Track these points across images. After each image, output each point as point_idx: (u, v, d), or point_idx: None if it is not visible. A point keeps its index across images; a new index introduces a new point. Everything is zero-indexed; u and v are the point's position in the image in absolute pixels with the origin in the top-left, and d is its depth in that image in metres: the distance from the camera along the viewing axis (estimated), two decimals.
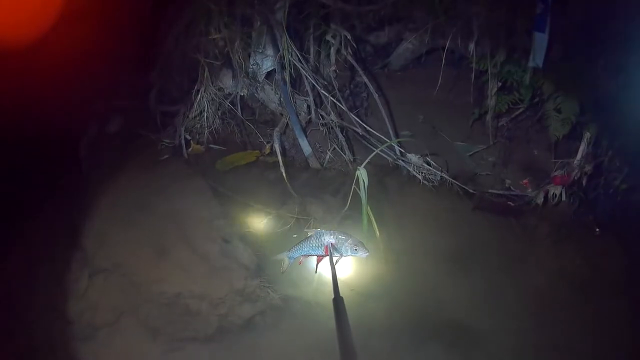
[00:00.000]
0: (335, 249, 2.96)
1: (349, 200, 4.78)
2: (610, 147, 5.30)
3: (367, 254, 2.98)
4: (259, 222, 4.96)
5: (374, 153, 4.91)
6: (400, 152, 5.44)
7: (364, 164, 4.71)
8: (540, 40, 5.26)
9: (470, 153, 5.69)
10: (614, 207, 5.33)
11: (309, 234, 3.06)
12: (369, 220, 4.61)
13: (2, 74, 4.22)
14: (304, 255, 3.11)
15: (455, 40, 5.60)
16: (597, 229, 5.23)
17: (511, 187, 5.44)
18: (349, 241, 2.98)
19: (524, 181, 5.48)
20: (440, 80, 5.64)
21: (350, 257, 2.97)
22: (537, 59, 5.27)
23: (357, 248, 2.96)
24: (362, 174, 4.56)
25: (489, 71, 5.54)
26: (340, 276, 2.88)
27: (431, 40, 5.83)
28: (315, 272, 3.18)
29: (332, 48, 5.48)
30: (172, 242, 4.74)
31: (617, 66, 4.90)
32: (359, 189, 4.59)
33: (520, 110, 5.79)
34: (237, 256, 4.67)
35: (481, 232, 5.08)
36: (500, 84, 5.63)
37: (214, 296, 4.42)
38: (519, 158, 5.72)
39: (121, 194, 5.25)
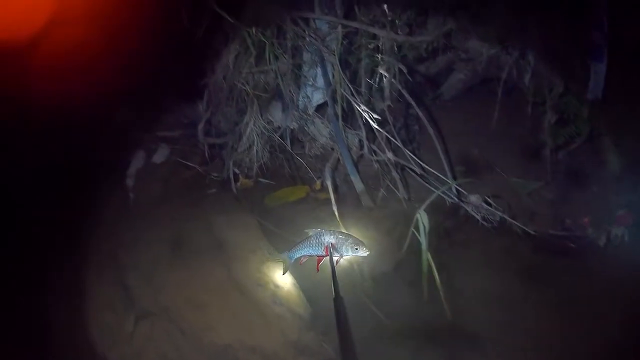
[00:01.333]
0: (336, 249, 2.87)
1: (406, 244, 4.42)
2: None
3: (368, 253, 2.87)
4: (311, 265, 4.60)
5: (434, 195, 4.51)
6: (457, 190, 5.00)
7: (424, 205, 4.33)
8: (598, 70, 5.01)
9: (529, 190, 5.28)
10: None
11: (309, 234, 2.95)
12: (429, 267, 4.24)
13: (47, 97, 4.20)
14: (304, 255, 3.00)
15: (510, 70, 5.25)
16: None
17: (571, 227, 5.02)
18: (349, 241, 2.89)
19: (584, 220, 5.05)
20: (495, 113, 5.29)
21: (351, 256, 2.90)
22: (595, 90, 4.97)
23: (357, 247, 2.87)
24: (422, 217, 4.19)
25: (546, 103, 5.17)
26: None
27: (484, 71, 5.48)
28: (317, 271, 3.01)
29: (386, 81, 5.14)
30: (221, 285, 4.36)
31: None
32: (418, 233, 4.21)
33: (577, 144, 5.39)
34: (290, 303, 4.24)
35: (543, 276, 4.59)
36: (557, 116, 5.24)
37: (266, 349, 3.99)
38: (577, 195, 5.26)
39: (168, 229, 4.90)
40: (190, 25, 4.80)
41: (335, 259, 2.80)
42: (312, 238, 2.95)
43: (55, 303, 4.29)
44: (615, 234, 4.81)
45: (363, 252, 2.88)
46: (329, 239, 2.91)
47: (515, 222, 4.81)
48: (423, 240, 4.17)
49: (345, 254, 2.89)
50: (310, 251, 2.97)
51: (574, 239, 4.93)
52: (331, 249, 2.86)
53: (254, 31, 4.97)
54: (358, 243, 2.89)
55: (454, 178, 5.05)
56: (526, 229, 4.80)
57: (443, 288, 4.16)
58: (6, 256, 4.23)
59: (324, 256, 2.93)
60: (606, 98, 5.05)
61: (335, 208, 4.90)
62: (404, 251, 4.45)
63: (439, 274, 4.20)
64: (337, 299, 2.29)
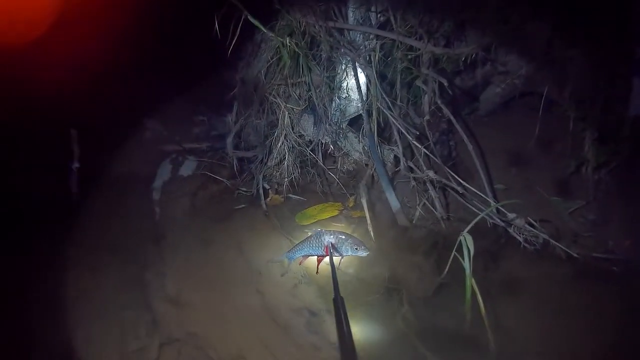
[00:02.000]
0: (336, 249, 2.95)
1: (447, 267, 4.17)
2: None
3: (367, 253, 3.00)
4: (345, 290, 4.33)
5: (479, 217, 4.25)
6: (498, 210, 4.69)
7: (468, 227, 4.06)
8: None
9: (570, 210, 5.01)
10: None
11: (309, 234, 3.05)
12: (473, 294, 3.98)
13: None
14: (304, 255, 3.09)
15: (549, 85, 5.00)
16: None
17: (614, 250, 4.76)
18: (349, 241, 2.99)
19: (627, 242, 4.79)
20: (534, 128, 5.03)
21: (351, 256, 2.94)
22: (638, 106, 4.67)
23: (357, 247, 2.98)
24: (467, 240, 3.94)
25: (586, 119, 4.91)
26: None
27: (523, 85, 5.22)
28: (317, 272, 3.10)
29: (427, 95, 4.89)
30: (251, 310, 4.09)
31: None
32: (462, 257, 3.92)
33: (619, 162, 5.09)
34: (325, 332, 3.94)
35: (587, 303, 4.34)
36: (597, 133, 4.97)
37: None
38: (618, 216, 4.97)
39: (195, 248, 4.67)
40: (220, 35, 4.53)
41: (335, 259, 2.84)
42: (312, 238, 3.05)
43: (74, 325, 4.05)
44: None
45: (363, 252, 3.00)
46: (329, 239, 3.00)
47: (559, 245, 4.51)
48: (467, 266, 3.88)
49: (345, 253, 2.99)
50: (310, 251, 3.08)
51: (617, 263, 4.64)
52: (331, 249, 2.93)
53: (287, 42, 4.70)
54: (358, 243, 3.00)
55: (494, 197, 4.76)
56: (569, 252, 4.51)
57: (488, 316, 3.88)
58: (20, 276, 4.03)
59: (324, 256, 3.01)
60: None
61: (370, 228, 4.66)
62: (444, 275, 4.13)
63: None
64: (337, 299, 2.29)
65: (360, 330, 3.92)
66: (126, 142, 5.57)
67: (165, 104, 5.79)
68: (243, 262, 4.50)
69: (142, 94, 5.32)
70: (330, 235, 3.06)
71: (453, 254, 4.00)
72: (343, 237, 3.06)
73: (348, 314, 3.76)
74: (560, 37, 4.79)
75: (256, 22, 4.58)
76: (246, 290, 4.24)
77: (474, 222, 4.09)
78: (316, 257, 3.24)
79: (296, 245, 3.23)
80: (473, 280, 3.89)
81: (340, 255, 3.04)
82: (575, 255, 4.51)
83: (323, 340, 3.90)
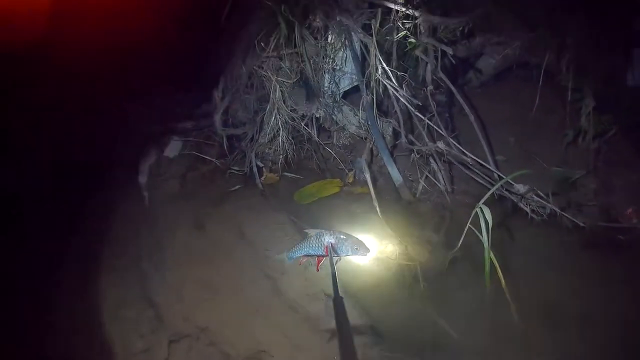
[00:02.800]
0: (335, 249, 2.87)
1: (460, 241, 3.97)
2: None
3: (368, 253, 2.89)
4: (358, 270, 4.11)
5: (493, 189, 4.04)
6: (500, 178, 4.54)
7: (483, 200, 3.86)
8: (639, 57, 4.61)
9: (572, 180, 4.90)
10: None
11: (309, 234, 2.93)
12: (493, 267, 3.80)
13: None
14: (304, 255, 2.99)
15: (545, 55, 4.88)
16: None
17: (619, 219, 4.67)
18: (349, 241, 2.89)
19: (628, 211, 4.72)
20: (528, 99, 5.01)
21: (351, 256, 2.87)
22: (636, 77, 4.64)
23: (357, 247, 2.88)
24: (485, 212, 3.76)
25: (584, 90, 4.80)
26: None
27: (518, 55, 5.09)
28: (317, 270, 2.99)
29: (428, 65, 4.68)
30: (264, 298, 3.77)
31: None
32: (477, 230, 3.73)
33: (614, 131, 5.03)
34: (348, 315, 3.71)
35: (599, 271, 4.21)
36: (595, 103, 4.87)
37: None
38: (619, 184, 4.89)
39: (192, 233, 4.35)
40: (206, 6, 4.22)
41: (335, 259, 2.76)
42: (312, 238, 2.93)
43: (73, 326, 3.72)
44: None
45: (363, 252, 2.87)
46: (329, 239, 2.89)
47: (566, 215, 4.37)
48: (485, 239, 3.68)
49: (345, 253, 2.87)
50: (310, 251, 2.95)
51: (622, 231, 4.53)
52: (331, 249, 2.83)
53: (283, 9, 4.41)
54: (358, 243, 2.88)
55: (497, 168, 4.60)
56: (576, 221, 4.37)
57: (508, 290, 3.70)
58: (11, 271, 3.64)
59: (324, 256, 2.89)
60: None
61: (376, 203, 4.42)
62: (456, 249, 3.94)
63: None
64: (337, 300, 2.26)
65: (379, 309, 3.68)
66: (105, 124, 5.19)
67: (143, 82, 5.41)
68: (246, 246, 4.19)
69: (117, 72, 4.97)
70: (330, 235, 2.92)
71: (467, 226, 3.78)
72: (343, 237, 2.93)
73: (366, 298, 3.60)
74: (560, 7, 4.62)
75: None
76: (255, 277, 3.91)
77: (488, 194, 3.87)
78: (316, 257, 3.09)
79: (296, 245, 3.04)
80: (493, 253, 3.66)
81: (340, 255, 2.90)
82: (581, 224, 4.36)
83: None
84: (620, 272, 4.11)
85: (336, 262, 2.70)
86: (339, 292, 2.35)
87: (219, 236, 4.26)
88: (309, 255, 2.99)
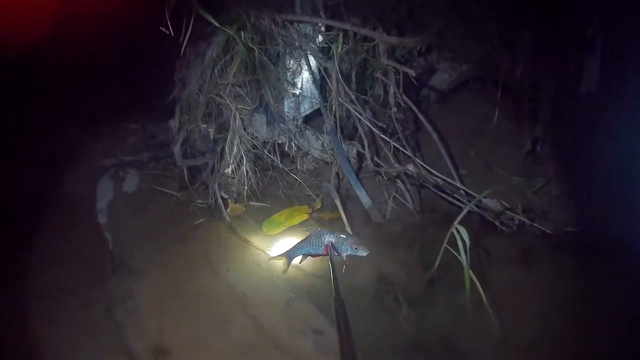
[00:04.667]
0: (335, 249, 2.83)
1: (437, 261, 3.98)
2: None
3: (367, 252, 2.86)
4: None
5: (467, 208, 4.06)
6: (467, 194, 4.58)
7: (458, 220, 3.88)
8: (592, 64, 4.79)
9: (534, 189, 4.99)
10: None
11: (309, 234, 2.92)
12: (472, 284, 3.78)
13: None
14: (304, 255, 2.95)
15: (500, 68, 4.96)
16: None
17: (583, 222, 4.77)
18: (349, 240, 2.86)
19: (592, 214, 4.84)
20: (485, 111, 5.11)
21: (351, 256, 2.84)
22: (589, 83, 4.76)
23: (357, 247, 2.84)
24: (461, 232, 3.78)
25: (539, 99, 4.92)
26: None
27: (471, 69, 5.16)
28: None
29: (391, 87, 4.67)
30: (249, 340, 3.61)
31: None
32: (452, 248, 3.79)
33: (571, 137, 5.15)
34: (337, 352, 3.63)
35: (570, 276, 4.30)
36: (550, 112, 4.99)
37: None
38: (580, 189, 5.04)
39: (162, 274, 4.17)
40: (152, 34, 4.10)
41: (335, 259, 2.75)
42: (312, 238, 2.90)
43: None
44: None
45: (363, 252, 2.84)
46: (329, 238, 2.85)
47: (534, 224, 4.49)
48: (464, 257, 3.72)
49: (345, 253, 2.84)
50: (310, 251, 2.92)
51: (588, 235, 4.64)
52: (331, 249, 2.81)
53: (242, 36, 4.33)
54: (358, 243, 2.85)
55: (462, 183, 4.66)
56: (544, 229, 4.49)
57: (490, 304, 3.71)
58: None
59: (323, 256, 2.86)
60: (600, 91, 4.86)
61: (349, 228, 4.40)
62: (434, 269, 3.95)
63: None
64: (337, 300, 2.24)
65: (363, 338, 3.59)
66: (55, 159, 4.95)
67: (91, 113, 5.18)
68: (222, 284, 4.06)
69: (63, 103, 4.73)
70: (330, 235, 2.86)
71: (443, 247, 3.84)
72: (343, 236, 2.87)
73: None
74: (513, 19, 4.70)
75: (208, 16, 4.17)
76: (236, 317, 3.77)
77: (462, 214, 3.95)
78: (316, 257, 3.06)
79: (296, 244, 2.99)
80: (471, 271, 3.73)
81: (340, 255, 2.83)
82: (549, 232, 4.49)
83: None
84: (591, 274, 4.18)
85: (345, 263, 2.76)
86: (339, 293, 2.30)
87: (191, 276, 4.11)
88: (308, 255, 2.96)
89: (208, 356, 3.51)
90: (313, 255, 2.96)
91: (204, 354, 3.51)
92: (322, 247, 2.87)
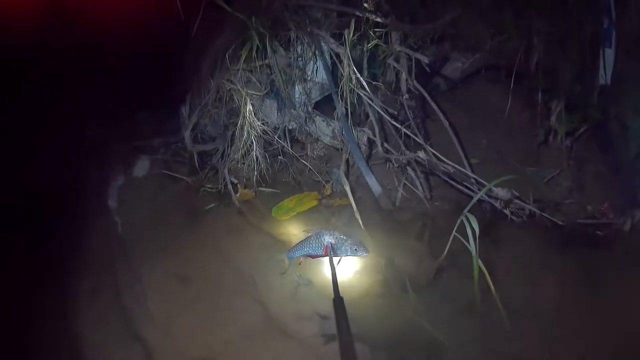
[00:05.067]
0: (335, 250, 2.90)
1: (446, 249, 3.93)
2: None
3: (367, 253, 2.97)
4: (348, 283, 4.01)
5: (477, 196, 4.01)
6: (479, 183, 4.53)
7: (468, 208, 3.83)
8: (608, 55, 4.72)
9: (546, 179, 4.93)
10: None
11: (309, 234, 2.97)
12: (481, 274, 3.73)
13: None
14: (304, 255, 3.03)
15: (514, 57, 4.89)
16: None
17: (595, 215, 4.71)
18: (349, 241, 2.94)
19: (604, 206, 4.77)
20: (498, 101, 5.05)
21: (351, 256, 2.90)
22: (604, 75, 4.71)
23: (357, 248, 2.93)
24: (471, 220, 3.73)
25: (553, 89, 4.86)
26: None
27: (485, 58, 5.09)
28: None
29: (403, 73, 4.62)
30: (256, 325, 3.62)
31: None
32: (463, 238, 3.70)
33: (584, 129, 5.09)
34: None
35: (579, 269, 4.20)
36: (564, 102, 4.91)
37: None
38: (592, 181, 4.96)
39: (171, 259, 4.18)
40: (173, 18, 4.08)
41: (335, 259, 2.81)
42: (312, 238, 2.97)
43: None
44: (638, 219, 4.49)
45: (362, 253, 2.96)
46: (329, 239, 2.93)
47: (545, 215, 4.42)
48: (473, 246, 3.65)
49: (344, 254, 2.92)
50: (310, 251, 3.00)
51: (600, 226, 4.60)
52: (331, 249, 2.87)
53: (254, 22, 4.29)
54: (358, 243, 2.95)
55: (473, 172, 4.59)
56: (555, 220, 4.42)
57: (498, 295, 3.66)
58: None
59: (323, 256, 2.94)
60: (615, 83, 4.79)
61: (358, 216, 4.36)
62: (442, 258, 3.90)
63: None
64: (337, 300, 2.29)
65: (372, 326, 3.58)
66: (68, 147, 4.95)
67: (104, 101, 5.18)
68: (230, 270, 4.06)
69: (77, 92, 4.74)
70: (330, 235, 2.97)
71: (453, 234, 3.76)
72: (343, 237, 2.98)
73: (355, 311, 3.49)
74: (528, 8, 4.62)
75: (220, 2, 4.11)
76: (244, 303, 3.77)
77: (472, 202, 3.88)
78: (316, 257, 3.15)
79: (296, 245, 3.10)
80: (480, 260, 3.65)
81: (340, 255, 2.95)
82: (560, 223, 4.42)
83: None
84: (603, 267, 4.15)
85: (337, 262, 2.75)
86: (339, 293, 2.34)
87: (200, 261, 4.12)
88: (308, 256, 3.03)
89: (214, 340, 3.54)
90: (313, 256, 2.97)
91: (210, 338, 3.55)
92: (322, 248, 2.96)
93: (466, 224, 3.69)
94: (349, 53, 4.38)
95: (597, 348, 3.47)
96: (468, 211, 3.75)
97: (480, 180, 4.40)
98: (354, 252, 2.97)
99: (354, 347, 1.92)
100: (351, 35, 4.38)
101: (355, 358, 1.90)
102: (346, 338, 1.99)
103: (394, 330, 3.58)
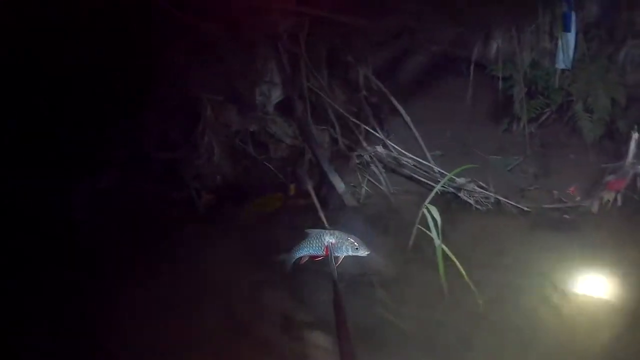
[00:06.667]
0: (336, 249, 2.69)
1: (411, 240, 3.92)
2: None
3: (368, 252, 2.71)
4: (315, 285, 3.96)
5: (436, 188, 4.02)
6: (442, 175, 4.55)
7: (428, 200, 3.81)
8: (567, 40, 4.76)
9: (510, 167, 4.95)
10: None
11: (310, 234, 2.77)
12: (451, 263, 3.65)
13: None
14: (305, 255, 2.80)
15: (474, 48, 4.91)
16: None
17: (561, 198, 4.71)
18: (349, 240, 2.70)
19: (571, 189, 4.77)
20: (460, 92, 5.16)
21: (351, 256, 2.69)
22: (565, 60, 4.75)
23: (357, 247, 2.69)
24: (432, 210, 3.72)
25: (514, 77, 4.90)
26: None
27: (446, 51, 5.11)
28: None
29: (360, 70, 4.62)
30: (225, 330, 3.58)
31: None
32: (425, 228, 3.71)
33: (547, 114, 5.15)
34: (315, 338, 3.51)
35: (548, 251, 4.19)
36: (526, 89, 4.97)
37: None
38: (557, 165, 4.99)
39: (148, 282, 4.06)
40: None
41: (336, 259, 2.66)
42: (312, 238, 2.77)
43: None
44: (607, 200, 4.50)
45: (363, 252, 2.71)
46: (329, 238, 2.71)
47: (510, 202, 4.47)
48: (435, 235, 3.64)
49: (345, 253, 2.70)
50: (310, 251, 2.78)
51: (567, 210, 4.62)
52: (331, 249, 2.68)
53: (211, 26, 4.29)
54: (358, 243, 2.70)
55: (435, 164, 4.65)
56: (520, 207, 4.49)
57: (472, 282, 3.61)
58: None
59: (324, 256, 2.72)
60: (574, 66, 4.86)
61: (322, 214, 4.36)
62: (409, 250, 3.90)
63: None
64: (337, 299, 2.18)
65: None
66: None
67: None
68: (204, 279, 3.98)
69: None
70: (331, 235, 2.74)
71: (416, 227, 3.76)
72: (344, 236, 2.73)
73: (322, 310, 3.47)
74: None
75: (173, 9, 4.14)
76: (219, 318, 3.69)
77: (432, 193, 3.90)
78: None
79: (296, 245, 2.84)
80: (446, 248, 3.63)
81: (341, 255, 2.69)
82: (526, 209, 4.48)
83: (315, 348, 3.49)
84: (572, 249, 4.14)
85: (338, 263, 2.61)
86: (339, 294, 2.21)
87: (169, 272, 4.03)
88: (309, 256, 2.81)
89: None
90: (313, 257, 2.94)
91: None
92: (322, 248, 2.83)
93: (427, 215, 3.67)
94: (304, 53, 4.37)
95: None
96: (431, 203, 3.74)
97: (443, 171, 4.41)
98: (355, 251, 2.74)
99: (353, 347, 1.81)
100: (305, 35, 4.36)
101: (354, 357, 1.81)
102: (346, 339, 1.87)
103: (364, 329, 3.51)
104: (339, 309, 2.09)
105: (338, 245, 2.69)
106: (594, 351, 3.28)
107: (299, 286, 3.83)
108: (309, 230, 2.84)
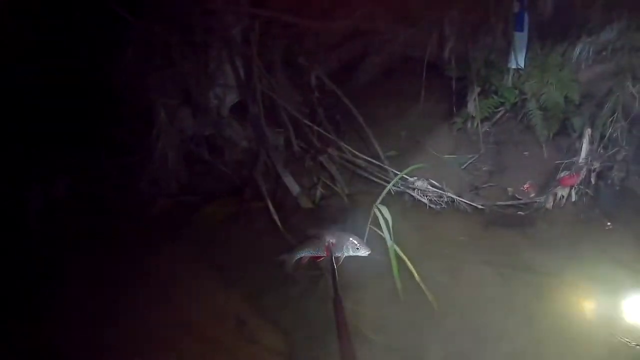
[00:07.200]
0: (336, 249, 2.90)
1: (364, 239, 3.90)
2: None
3: (369, 252, 2.96)
4: (269, 289, 3.95)
5: (388, 187, 4.02)
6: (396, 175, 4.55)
7: (379, 199, 3.82)
8: (520, 39, 4.84)
9: (463, 165, 4.99)
10: (616, 197, 4.72)
11: (310, 235, 3.02)
12: (403, 262, 3.68)
13: None
14: (306, 255, 3.03)
15: (427, 48, 4.95)
16: (609, 223, 4.52)
17: (516, 195, 4.76)
18: (350, 240, 2.94)
19: (525, 186, 4.82)
20: (415, 92, 5.17)
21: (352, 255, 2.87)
22: (517, 59, 4.83)
23: (358, 247, 2.94)
24: (383, 211, 3.71)
25: (468, 77, 4.98)
26: None
27: (400, 51, 5.15)
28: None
29: (313, 72, 4.62)
30: (174, 328, 3.55)
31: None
32: (377, 228, 3.69)
33: (501, 112, 5.20)
34: (265, 339, 3.51)
35: (503, 248, 4.27)
36: (479, 88, 5.01)
37: None
38: (512, 162, 5.05)
39: (95, 281, 4.01)
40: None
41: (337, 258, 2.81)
42: (314, 238, 2.99)
43: None
44: (561, 195, 4.59)
45: (364, 252, 2.93)
46: (330, 238, 2.93)
47: (463, 200, 4.52)
48: (387, 236, 3.65)
49: (346, 253, 2.91)
50: (311, 251, 3.01)
51: (522, 206, 4.68)
52: (332, 249, 2.88)
53: (159, 30, 4.25)
54: (359, 243, 2.94)
55: (389, 164, 4.73)
56: (474, 205, 4.54)
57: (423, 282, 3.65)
58: None
59: (324, 256, 2.95)
60: (527, 65, 4.92)
61: (276, 217, 4.35)
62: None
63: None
64: (337, 299, 2.33)
65: (292, 330, 3.53)
66: None
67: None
68: (160, 285, 3.96)
69: None
70: (332, 235, 2.99)
71: (368, 227, 3.76)
72: (344, 236, 3.00)
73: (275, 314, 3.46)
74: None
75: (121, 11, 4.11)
76: (168, 314, 3.67)
77: (384, 192, 3.92)
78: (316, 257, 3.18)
79: (297, 245, 3.16)
80: (398, 248, 3.66)
81: (342, 255, 2.95)
82: (480, 207, 4.54)
83: (264, 349, 3.48)
84: (526, 245, 4.25)
85: (339, 263, 2.77)
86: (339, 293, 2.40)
87: (129, 280, 3.95)
88: (310, 256, 3.04)
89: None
90: (314, 257, 2.95)
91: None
92: (323, 248, 2.96)
93: (378, 214, 3.69)
94: (256, 55, 4.36)
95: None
96: (385, 203, 3.78)
97: (396, 172, 4.43)
98: (356, 251, 2.98)
99: (353, 346, 1.95)
100: (257, 36, 4.35)
101: (354, 357, 1.92)
102: (346, 337, 2.02)
103: (317, 333, 3.50)
104: (339, 309, 2.26)
105: (339, 245, 2.92)
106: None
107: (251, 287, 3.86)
108: (309, 231, 2.86)
